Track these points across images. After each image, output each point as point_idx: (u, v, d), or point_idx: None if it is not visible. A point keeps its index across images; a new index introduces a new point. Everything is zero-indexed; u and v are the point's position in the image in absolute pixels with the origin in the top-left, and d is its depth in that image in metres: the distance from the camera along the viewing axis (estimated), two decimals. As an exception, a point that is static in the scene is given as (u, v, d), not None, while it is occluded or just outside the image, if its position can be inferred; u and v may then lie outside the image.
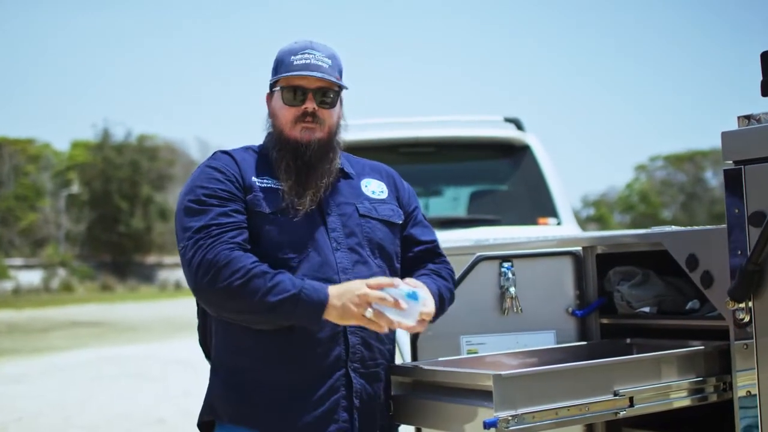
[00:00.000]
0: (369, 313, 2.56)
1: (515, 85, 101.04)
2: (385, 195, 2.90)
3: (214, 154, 2.84)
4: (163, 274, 51.25)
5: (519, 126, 6.64)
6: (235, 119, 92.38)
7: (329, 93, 2.76)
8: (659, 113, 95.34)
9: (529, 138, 6.55)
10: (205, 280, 2.57)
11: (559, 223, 6.18)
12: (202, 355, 2.94)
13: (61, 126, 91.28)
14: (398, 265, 2.87)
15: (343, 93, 2.84)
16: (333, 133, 2.80)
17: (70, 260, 49.75)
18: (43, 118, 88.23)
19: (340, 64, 2.83)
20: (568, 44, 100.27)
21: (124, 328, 23.19)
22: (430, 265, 2.91)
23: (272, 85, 2.83)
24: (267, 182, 2.74)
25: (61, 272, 47.53)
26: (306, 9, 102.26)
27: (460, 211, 6.52)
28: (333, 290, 2.58)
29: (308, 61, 2.75)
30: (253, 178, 2.74)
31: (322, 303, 2.56)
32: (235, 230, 2.63)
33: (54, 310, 30.56)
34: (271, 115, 2.83)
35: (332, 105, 2.78)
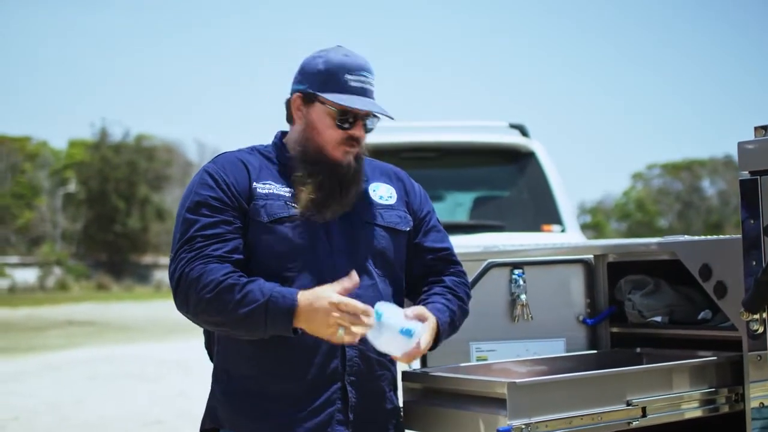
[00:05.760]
0: (341, 332, 2.44)
1: (513, 92, 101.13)
2: (393, 200, 2.82)
3: (216, 156, 2.76)
4: (159, 275, 51.08)
5: (524, 132, 6.62)
6: (233, 121, 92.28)
7: (375, 121, 2.74)
8: (657, 121, 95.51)
9: (534, 144, 6.53)
10: (181, 294, 2.55)
11: (563, 231, 6.17)
12: (201, 357, 2.90)
13: (58, 124, 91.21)
14: (402, 275, 2.80)
15: None
16: (363, 149, 2.77)
17: (65, 259, 49.65)
18: (41, 117, 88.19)
19: None
20: (565, 51, 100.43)
21: (120, 327, 23.13)
22: (447, 280, 2.82)
23: (315, 94, 2.69)
24: (269, 188, 2.66)
25: (57, 271, 47.47)
26: (306, 11, 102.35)
27: (464, 217, 6.50)
28: (303, 296, 2.48)
29: (363, 86, 2.69)
30: (255, 184, 2.65)
31: (290, 310, 2.47)
32: (219, 242, 2.56)
33: (49, 309, 30.47)
34: (309, 126, 2.71)
35: (372, 129, 2.76)
